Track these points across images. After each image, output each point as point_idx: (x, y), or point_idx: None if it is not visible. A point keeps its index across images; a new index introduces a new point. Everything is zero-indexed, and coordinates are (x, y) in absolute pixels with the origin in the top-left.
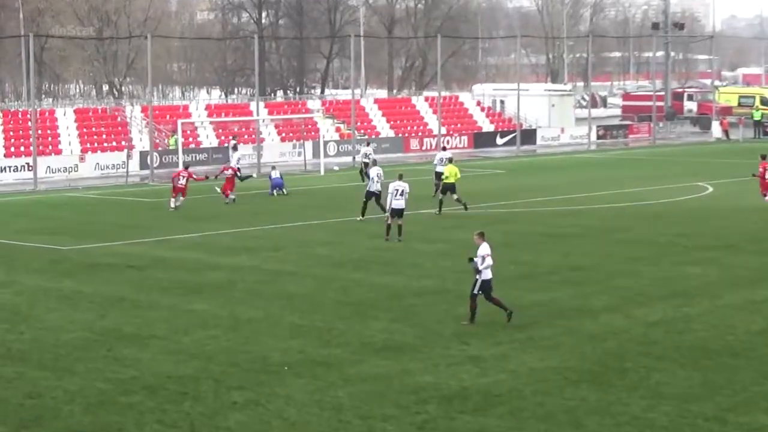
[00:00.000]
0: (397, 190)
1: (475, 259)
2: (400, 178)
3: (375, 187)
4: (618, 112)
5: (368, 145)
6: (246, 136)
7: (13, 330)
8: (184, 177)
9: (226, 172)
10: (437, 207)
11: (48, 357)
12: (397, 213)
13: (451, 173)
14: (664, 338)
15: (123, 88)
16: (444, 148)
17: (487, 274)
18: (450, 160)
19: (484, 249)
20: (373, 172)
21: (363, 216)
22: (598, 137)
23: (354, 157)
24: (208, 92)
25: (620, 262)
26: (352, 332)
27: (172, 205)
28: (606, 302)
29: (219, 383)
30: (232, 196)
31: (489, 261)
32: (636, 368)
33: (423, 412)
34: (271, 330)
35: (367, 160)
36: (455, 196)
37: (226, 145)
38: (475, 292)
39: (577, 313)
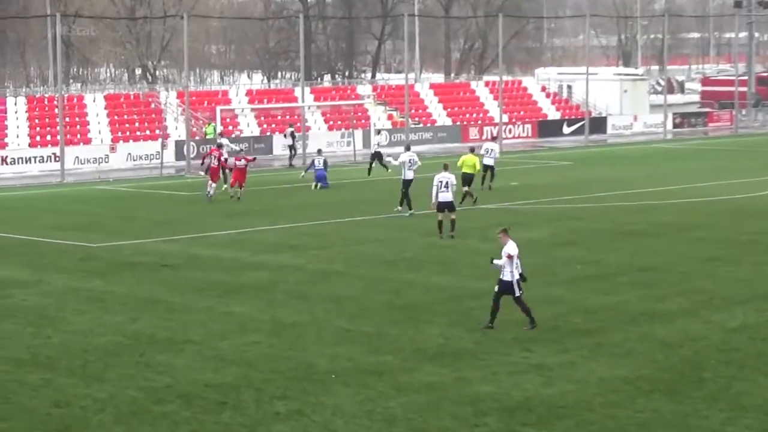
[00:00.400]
0: (442, 181)
1: (495, 261)
2: (446, 168)
3: (408, 175)
4: (696, 98)
5: (379, 133)
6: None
7: (40, 334)
8: (215, 156)
9: (237, 162)
10: (471, 200)
11: (77, 363)
12: (446, 207)
13: (469, 163)
14: (746, 345)
15: (157, 73)
16: (494, 138)
17: (516, 275)
18: (471, 150)
19: (511, 247)
20: (405, 156)
21: (411, 209)
22: (675, 126)
23: (408, 147)
24: (249, 77)
25: (697, 262)
26: (405, 338)
27: (210, 191)
28: (681, 306)
29: (260, 392)
30: (234, 191)
31: (501, 262)
32: (715, 378)
33: (482, 424)
34: (317, 335)
35: (379, 150)
36: (465, 188)
37: (283, 134)
38: (518, 294)
39: (649, 318)
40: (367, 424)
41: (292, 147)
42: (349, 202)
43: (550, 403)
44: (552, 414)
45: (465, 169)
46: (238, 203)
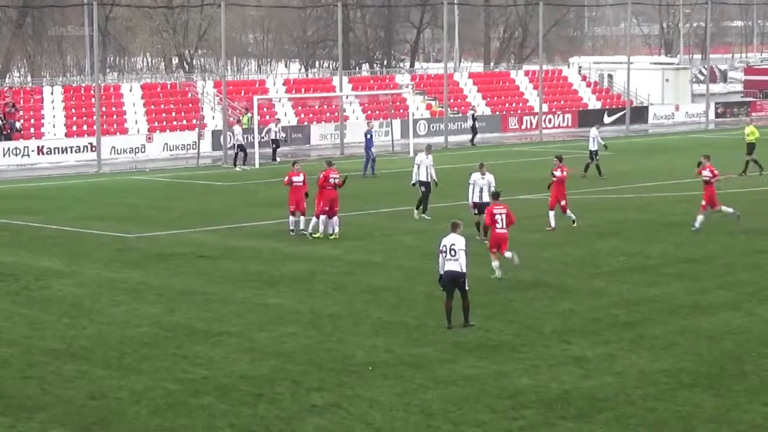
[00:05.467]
0: (476, 182)
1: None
2: (482, 167)
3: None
4: (739, 87)
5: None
6: (328, 114)
7: (75, 325)
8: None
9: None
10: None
11: (112, 354)
12: (479, 208)
13: (750, 133)
14: None
15: (194, 62)
16: (598, 127)
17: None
18: (750, 120)
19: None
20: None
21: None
22: (717, 115)
23: (446, 137)
24: (286, 66)
25: (741, 254)
26: (443, 329)
27: (319, 229)
28: (724, 298)
29: (297, 384)
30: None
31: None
32: (757, 371)
33: (520, 417)
34: (355, 327)
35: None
36: (752, 157)
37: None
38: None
39: (691, 310)
40: (405, 417)
41: (473, 128)
42: (389, 192)
43: (589, 396)
44: (591, 407)
45: (749, 138)
46: (277, 194)
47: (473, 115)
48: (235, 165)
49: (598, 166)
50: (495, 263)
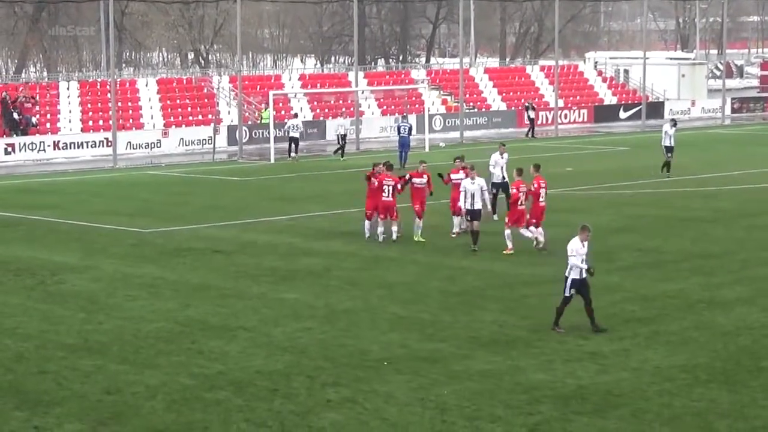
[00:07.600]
0: (467, 188)
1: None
2: (471, 171)
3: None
4: (755, 83)
5: (296, 117)
6: (344, 109)
7: (91, 320)
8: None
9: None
10: None
11: (128, 349)
12: (470, 214)
13: None
14: None
15: (210, 57)
16: (674, 122)
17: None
18: None
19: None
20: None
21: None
22: (733, 111)
23: (461, 133)
24: (302, 61)
25: (757, 249)
26: (459, 325)
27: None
28: (740, 294)
29: (312, 379)
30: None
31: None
32: None
33: (536, 413)
34: (370, 322)
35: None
36: None
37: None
38: (567, 294)
39: (707, 306)
40: (420, 412)
41: (532, 120)
42: None
43: (604, 391)
44: (607, 402)
45: None
46: (293, 188)
47: (528, 107)
48: (341, 155)
49: (668, 163)
50: (380, 229)
